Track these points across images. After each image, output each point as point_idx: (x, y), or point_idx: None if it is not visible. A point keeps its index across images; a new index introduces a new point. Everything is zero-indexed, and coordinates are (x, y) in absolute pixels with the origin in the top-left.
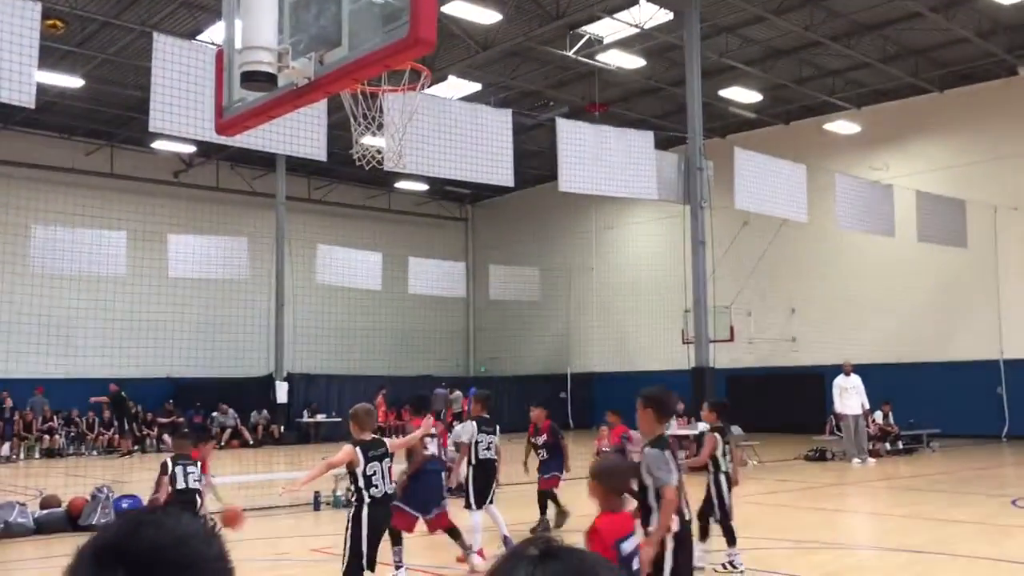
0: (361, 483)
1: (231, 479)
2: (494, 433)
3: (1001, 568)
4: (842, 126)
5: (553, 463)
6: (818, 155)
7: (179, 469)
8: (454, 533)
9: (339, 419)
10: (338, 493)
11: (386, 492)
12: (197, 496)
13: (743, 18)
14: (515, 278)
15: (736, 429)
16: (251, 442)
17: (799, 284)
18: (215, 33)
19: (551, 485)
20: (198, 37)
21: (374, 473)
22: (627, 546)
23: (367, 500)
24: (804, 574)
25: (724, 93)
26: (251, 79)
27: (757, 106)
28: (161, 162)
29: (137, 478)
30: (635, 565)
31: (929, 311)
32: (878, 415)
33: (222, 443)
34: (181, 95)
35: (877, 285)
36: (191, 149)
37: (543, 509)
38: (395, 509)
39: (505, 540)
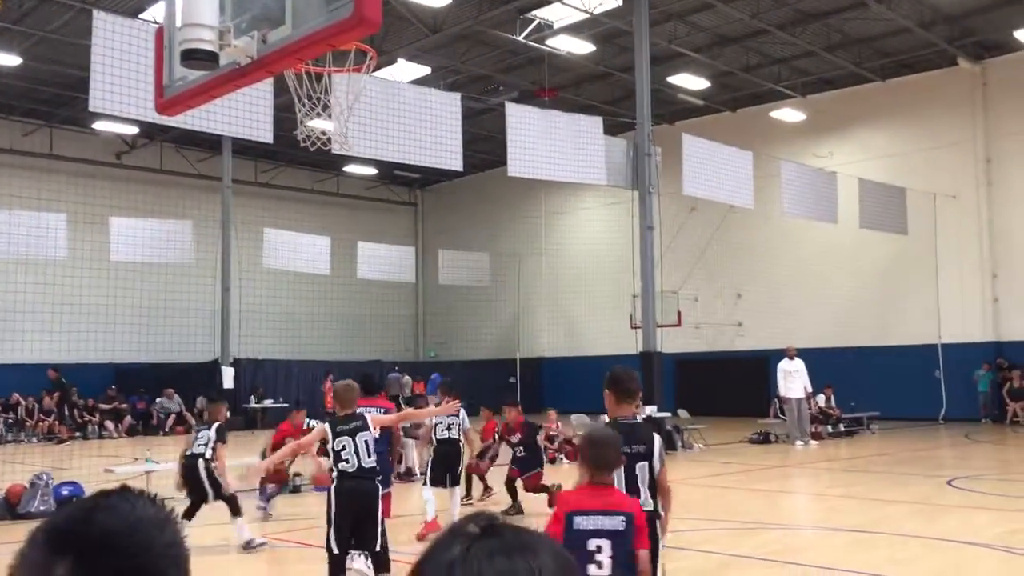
0: (331, 458)
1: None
2: (456, 415)
3: (938, 546)
4: (788, 114)
5: (534, 460)
6: (764, 142)
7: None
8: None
9: (286, 404)
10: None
11: (360, 466)
12: (200, 460)
13: (691, 5)
14: (465, 263)
15: (682, 413)
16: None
17: (745, 270)
18: (158, 11)
19: (535, 481)
20: (140, 15)
21: (342, 448)
22: (582, 521)
23: (335, 475)
24: (747, 554)
25: (673, 80)
26: (192, 57)
27: (705, 93)
28: (103, 143)
29: (77, 465)
30: (590, 545)
31: (870, 297)
32: (820, 398)
33: (166, 429)
34: (122, 75)
35: (821, 271)
36: (134, 130)
37: (514, 496)
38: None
39: None
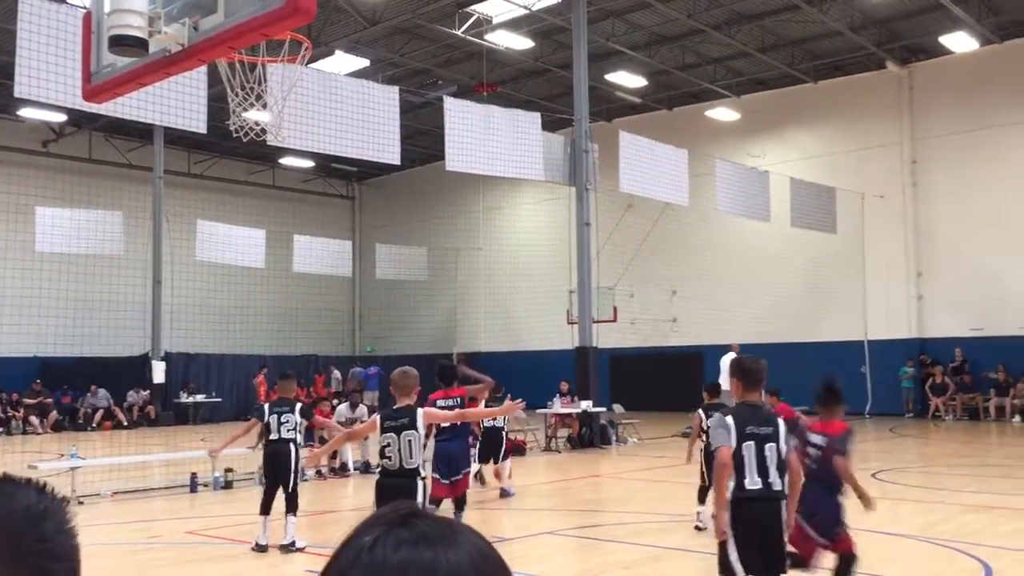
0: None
1: (104, 461)
2: None
3: (863, 536)
4: (722, 113)
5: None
6: (699, 141)
7: (274, 418)
8: (462, 505)
9: (219, 399)
10: (216, 474)
11: (402, 466)
12: (291, 445)
13: (629, 3)
14: (402, 257)
15: (617, 407)
16: (125, 423)
17: (680, 266)
18: None
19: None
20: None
21: (387, 444)
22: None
23: (378, 468)
24: (678, 546)
25: (610, 77)
26: (120, 44)
27: (642, 91)
28: (29, 131)
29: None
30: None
31: (800, 294)
32: None
33: (94, 424)
34: (50, 60)
35: (753, 268)
36: (62, 118)
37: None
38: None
39: None
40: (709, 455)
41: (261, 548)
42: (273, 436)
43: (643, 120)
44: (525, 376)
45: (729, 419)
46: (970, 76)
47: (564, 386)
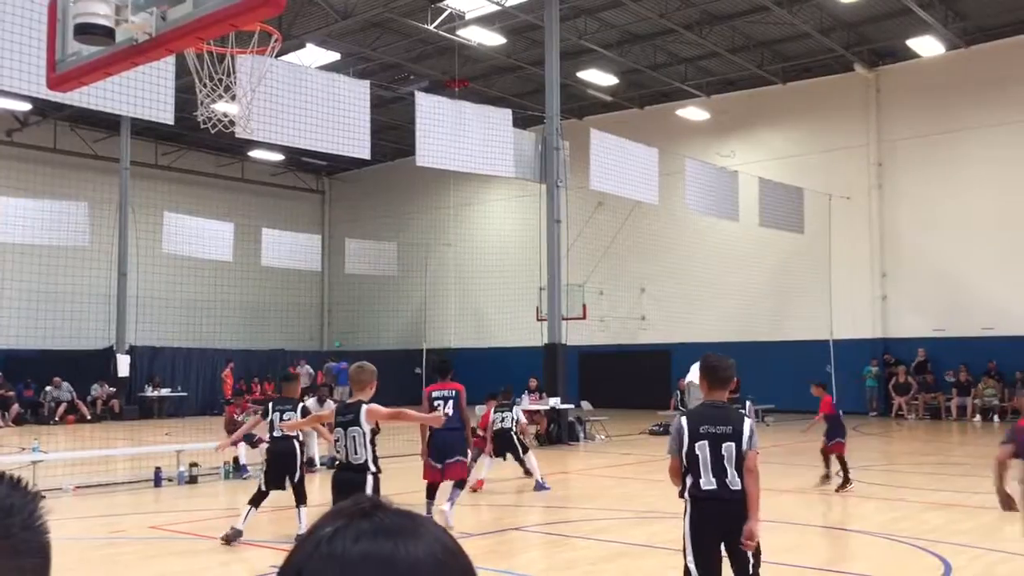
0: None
1: (66, 455)
2: (509, 410)
3: (828, 533)
4: (693, 112)
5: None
6: (670, 140)
7: (276, 415)
8: (460, 484)
9: (185, 393)
10: (181, 469)
11: (348, 461)
12: (295, 442)
13: (601, 2)
14: (372, 252)
15: (586, 404)
16: (88, 417)
17: (649, 264)
18: None
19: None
20: None
21: (337, 439)
22: None
23: (336, 462)
24: (643, 543)
25: (582, 75)
26: (86, 32)
27: (613, 89)
28: None
29: None
30: None
31: (768, 293)
32: None
33: (57, 418)
34: (13, 48)
35: (722, 267)
36: (26, 107)
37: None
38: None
39: None
40: None
41: (236, 532)
42: (276, 434)
43: (614, 118)
44: (494, 372)
45: (683, 420)
46: (936, 80)
47: (533, 383)
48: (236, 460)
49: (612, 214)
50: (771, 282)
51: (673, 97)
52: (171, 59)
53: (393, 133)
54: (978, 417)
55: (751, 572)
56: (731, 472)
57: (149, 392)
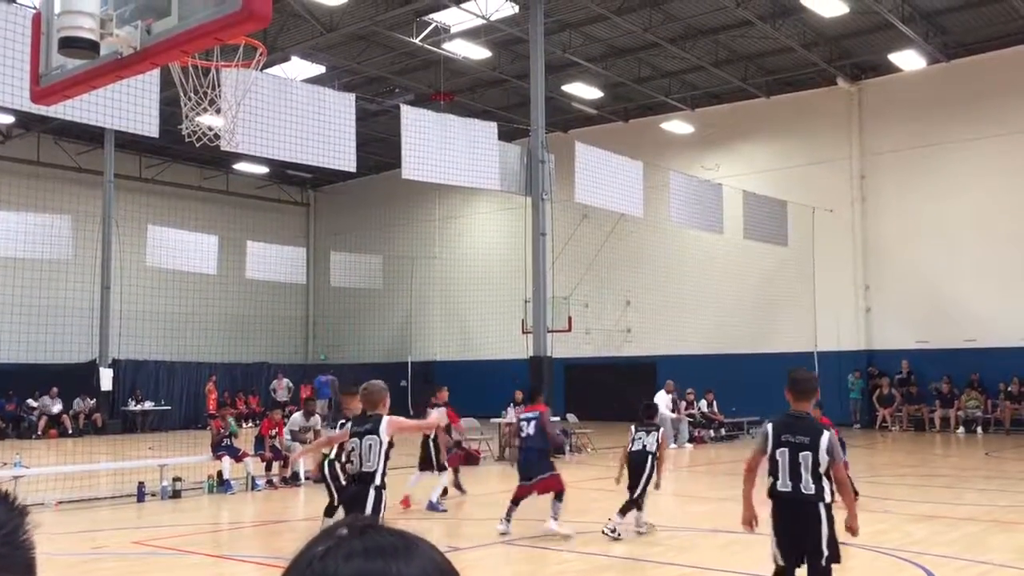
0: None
1: (49, 469)
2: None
3: None
4: (677, 126)
5: None
6: (654, 153)
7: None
8: (559, 496)
9: (168, 407)
10: (164, 484)
11: (360, 470)
12: (326, 462)
13: (586, 16)
14: (357, 265)
15: (571, 417)
16: (70, 431)
17: (634, 277)
18: None
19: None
20: (17, 0)
21: (351, 449)
22: None
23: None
24: (629, 556)
25: (567, 88)
26: (70, 45)
27: (598, 102)
28: None
29: None
30: None
31: (752, 305)
32: (703, 403)
33: (39, 432)
34: None
35: (706, 280)
36: (9, 120)
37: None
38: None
39: None
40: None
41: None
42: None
43: (599, 131)
44: (479, 385)
45: (769, 427)
46: (918, 94)
47: (518, 395)
48: (220, 475)
49: (597, 227)
50: (755, 294)
51: (657, 110)
52: (156, 72)
53: (378, 146)
54: (961, 429)
55: (823, 565)
56: (806, 478)
57: (132, 406)
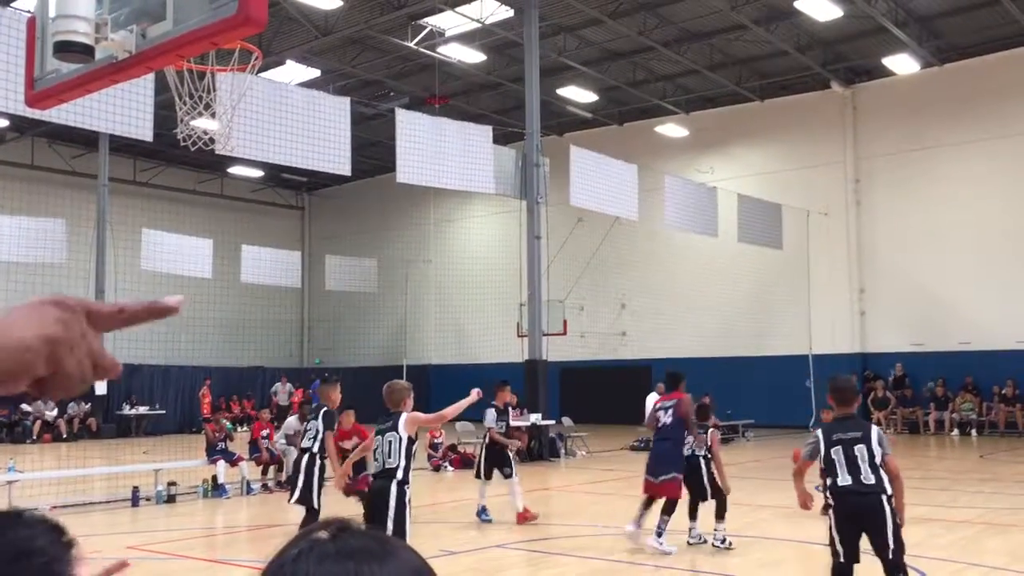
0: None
1: (43, 474)
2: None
3: (807, 549)
4: (671, 129)
5: None
6: (649, 156)
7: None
8: (668, 506)
9: (163, 411)
10: (159, 488)
11: (383, 466)
12: (306, 456)
13: (581, 19)
14: (352, 269)
15: (566, 420)
16: (64, 435)
17: (629, 280)
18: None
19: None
20: (12, 4)
21: (376, 447)
22: None
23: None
24: (626, 559)
25: (562, 92)
26: (65, 50)
27: (593, 106)
28: None
29: None
30: None
31: (747, 308)
32: None
33: (33, 436)
34: None
35: (701, 283)
36: (3, 124)
37: None
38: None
39: None
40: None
41: None
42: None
43: (594, 135)
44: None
45: (819, 433)
46: (911, 97)
47: (514, 399)
48: (215, 479)
49: (592, 230)
50: (750, 298)
51: (652, 114)
52: (151, 76)
53: (373, 150)
54: (956, 431)
55: (891, 558)
56: (864, 469)
57: (127, 410)
